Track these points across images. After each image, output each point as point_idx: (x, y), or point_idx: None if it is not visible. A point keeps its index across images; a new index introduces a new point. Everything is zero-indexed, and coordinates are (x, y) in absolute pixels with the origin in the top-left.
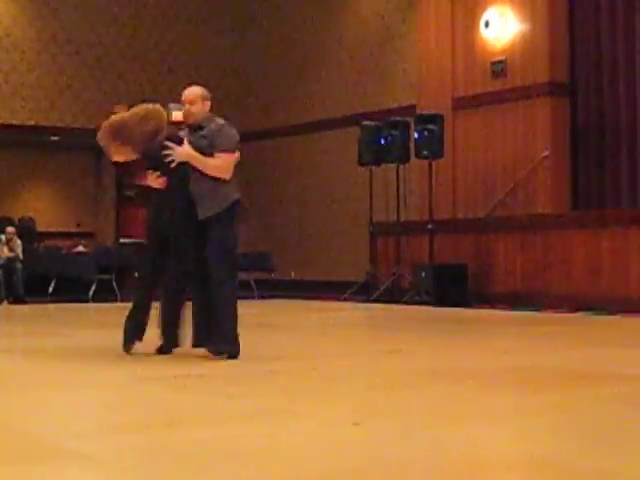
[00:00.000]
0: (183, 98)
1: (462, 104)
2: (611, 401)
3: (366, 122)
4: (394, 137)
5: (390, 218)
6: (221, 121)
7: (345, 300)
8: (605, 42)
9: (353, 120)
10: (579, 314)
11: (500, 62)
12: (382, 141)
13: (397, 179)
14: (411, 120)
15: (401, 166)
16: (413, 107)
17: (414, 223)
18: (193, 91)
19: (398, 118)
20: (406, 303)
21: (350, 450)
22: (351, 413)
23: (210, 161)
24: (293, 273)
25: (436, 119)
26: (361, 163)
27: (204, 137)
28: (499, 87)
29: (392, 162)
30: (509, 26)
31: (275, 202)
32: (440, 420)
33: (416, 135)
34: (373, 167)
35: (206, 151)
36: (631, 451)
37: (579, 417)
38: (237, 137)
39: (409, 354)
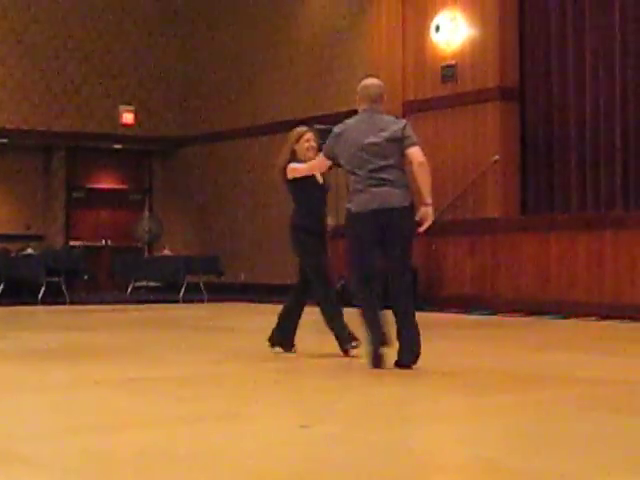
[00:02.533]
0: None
1: (412, 108)
2: (559, 404)
3: (317, 125)
4: None
5: (340, 222)
6: None
7: None
8: (554, 48)
9: (304, 123)
10: (528, 317)
11: (450, 67)
12: None
13: (347, 183)
14: None
15: None
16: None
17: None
18: None
19: None
20: (355, 307)
21: (296, 453)
22: (299, 416)
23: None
24: (243, 276)
25: None
26: None
27: None
28: (449, 91)
29: (340, 166)
30: (459, 31)
31: (225, 205)
32: (388, 422)
33: None
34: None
35: None
36: (576, 453)
37: (527, 419)
38: None
39: (359, 357)
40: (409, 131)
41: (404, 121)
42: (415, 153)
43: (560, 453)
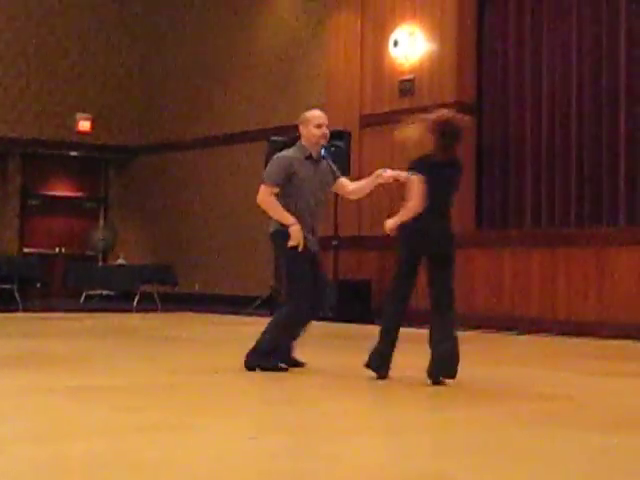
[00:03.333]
0: (322, 121)
1: (370, 122)
2: (511, 419)
3: (274, 137)
4: None
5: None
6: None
7: (249, 314)
8: (512, 63)
9: (261, 134)
10: (481, 333)
11: (408, 81)
12: None
13: None
14: None
15: None
16: None
17: (319, 239)
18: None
19: None
20: None
21: (243, 464)
22: (248, 427)
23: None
24: (197, 286)
25: (343, 136)
26: None
27: (328, 173)
28: (407, 105)
29: None
30: (418, 45)
31: (181, 215)
32: (338, 434)
33: (323, 151)
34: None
35: (328, 186)
36: (526, 468)
37: (478, 434)
38: None
39: (308, 369)
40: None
41: None
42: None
43: (510, 468)
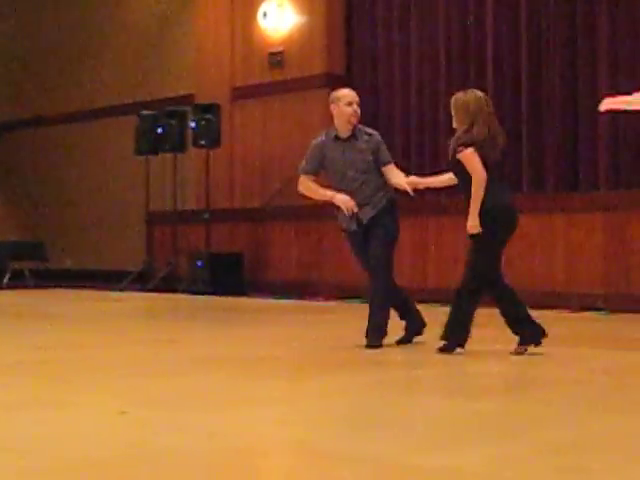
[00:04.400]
0: (352, 99)
1: (240, 94)
2: (380, 387)
3: (144, 111)
4: (171, 126)
5: (167, 207)
6: (370, 130)
7: (122, 290)
8: (381, 35)
9: (132, 109)
10: (354, 302)
11: (278, 53)
12: (159, 130)
13: (174, 168)
14: (189, 110)
15: (178, 155)
16: (192, 96)
17: (191, 212)
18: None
19: (175, 107)
20: (183, 292)
21: (114, 438)
22: (118, 402)
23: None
24: (69, 262)
25: (213, 109)
26: (138, 152)
27: (363, 149)
28: (277, 78)
29: (169, 151)
30: (287, 17)
31: (51, 190)
32: (210, 407)
33: (193, 124)
34: (150, 156)
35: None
36: (393, 434)
37: (346, 403)
38: None
39: (183, 343)
40: None
41: None
42: None
43: (377, 435)
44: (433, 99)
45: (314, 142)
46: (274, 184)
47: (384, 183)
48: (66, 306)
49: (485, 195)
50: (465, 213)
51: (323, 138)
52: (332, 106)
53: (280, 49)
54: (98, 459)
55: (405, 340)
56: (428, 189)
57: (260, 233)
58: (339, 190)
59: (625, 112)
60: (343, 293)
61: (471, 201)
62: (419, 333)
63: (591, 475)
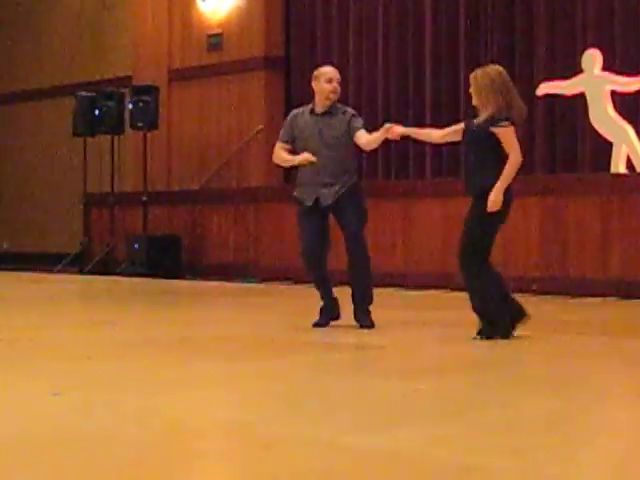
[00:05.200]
0: (332, 76)
1: (178, 76)
2: (319, 369)
3: (81, 93)
4: (109, 108)
5: (104, 189)
6: (347, 109)
7: (59, 272)
8: (319, 17)
9: (68, 90)
10: (291, 285)
11: (217, 35)
12: (97, 112)
13: (112, 150)
14: (126, 91)
15: (116, 137)
16: (130, 78)
17: (128, 194)
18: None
19: (113, 89)
20: (120, 274)
21: (46, 419)
22: (52, 383)
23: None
24: (6, 244)
25: (151, 91)
26: (76, 134)
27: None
28: (215, 60)
29: (107, 133)
30: (226, 0)
31: None
32: (147, 388)
33: (130, 106)
34: (88, 138)
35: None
36: (334, 415)
37: (286, 385)
38: None
39: (120, 325)
40: None
41: None
42: None
43: (313, 416)
44: (371, 80)
45: (292, 112)
46: (212, 167)
47: (353, 167)
48: (2, 288)
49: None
50: (462, 194)
51: (300, 110)
52: (314, 83)
53: (219, 31)
54: (29, 439)
55: (321, 323)
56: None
57: (197, 216)
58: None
59: (561, 97)
60: (279, 275)
61: (501, 177)
62: (336, 318)
63: (525, 455)
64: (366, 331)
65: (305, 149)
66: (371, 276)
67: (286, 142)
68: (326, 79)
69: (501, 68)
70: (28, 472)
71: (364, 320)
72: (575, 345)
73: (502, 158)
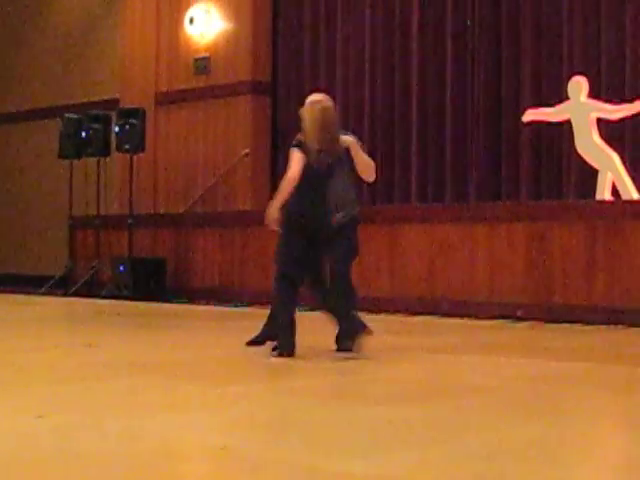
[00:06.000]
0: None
1: (165, 99)
2: (300, 394)
3: (68, 114)
4: (95, 130)
5: (90, 212)
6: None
7: (43, 294)
8: (307, 42)
9: (55, 112)
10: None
11: (204, 59)
12: (83, 134)
13: (98, 173)
14: (113, 114)
15: (102, 160)
16: (116, 101)
17: (114, 217)
18: None
19: (99, 112)
20: (105, 297)
21: (30, 441)
22: (35, 406)
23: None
24: None
25: (137, 113)
26: (61, 156)
27: None
28: (202, 84)
29: (93, 155)
30: (213, 23)
31: None
32: (131, 411)
33: (117, 129)
34: (74, 160)
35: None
36: (315, 440)
37: (265, 409)
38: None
39: (103, 347)
40: None
41: None
42: None
43: (298, 441)
44: (357, 106)
45: None
46: (198, 190)
47: (352, 198)
48: None
49: None
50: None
51: None
52: None
53: (206, 55)
54: (13, 461)
55: (257, 341)
56: None
57: (183, 239)
58: None
59: (547, 124)
60: (266, 300)
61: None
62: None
63: None
64: (350, 355)
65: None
66: (352, 311)
67: None
68: None
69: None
70: None
71: (344, 344)
72: (560, 371)
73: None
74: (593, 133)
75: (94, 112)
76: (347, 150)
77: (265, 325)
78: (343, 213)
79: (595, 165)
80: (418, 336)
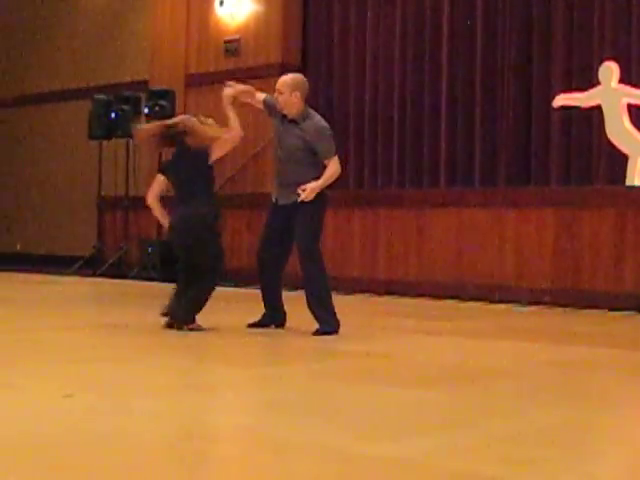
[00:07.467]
0: (276, 87)
1: (195, 81)
2: (325, 376)
3: (98, 96)
4: (125, 112)
5: (119, 192)
6: (315, 117)
7: (71, 274)
8: (337, 26)
9: (85, 93)
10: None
11: (234, 41)
12: (113, 115)
13: (127, 154)
14: (143, 95)
15: (131, 141)
16: (146, 82)
17: (142, 198)
18: (281, 80)
19: (129, 93)
20: (133, 278)
21: (58, 420)
22: (64, 385)
23: (328, 175)
24: (19, 246)
25: (167, 95)
26: (91, 137)
27: (298, 137)
28: (232, 66)
29: (122, 137)
30: (244, 5)
31: (2, 174)
32: (156, 392)
33: (146, 110)
34: (103, 141)
35: (299, 152)
36: (340, 423)
37: (291, 391)
38: (332, 139)
39: (130, 328)
40: None
41: None
42: None
43: (323, 423)
44: (387, 90)
45: None
46: (226, 172)
47: (315, 178)
48: (14, 290)
49: None
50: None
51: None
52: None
53: (236, 37)
54: (41, 441)
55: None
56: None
57: None
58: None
59: (578, 109)
60: (297, 284)
61: None
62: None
63: (535, 465)
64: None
65: (274, 150)
66: (326, 297)
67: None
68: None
69: None
70: (41, 472)
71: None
72: (587, 357)
73: None
74: (624, 119)
75: (124, 93)
76: None
77: (275, 309)
78: None
79: (625, 151)
80: (445, 320)
